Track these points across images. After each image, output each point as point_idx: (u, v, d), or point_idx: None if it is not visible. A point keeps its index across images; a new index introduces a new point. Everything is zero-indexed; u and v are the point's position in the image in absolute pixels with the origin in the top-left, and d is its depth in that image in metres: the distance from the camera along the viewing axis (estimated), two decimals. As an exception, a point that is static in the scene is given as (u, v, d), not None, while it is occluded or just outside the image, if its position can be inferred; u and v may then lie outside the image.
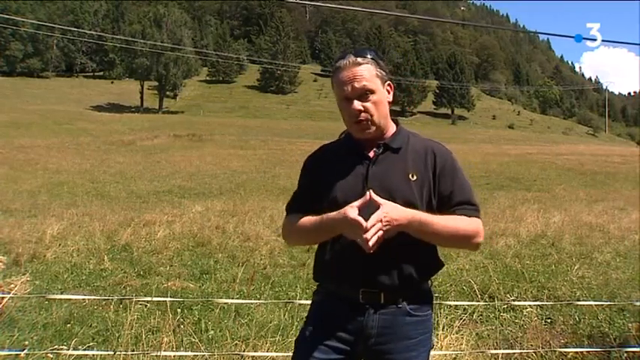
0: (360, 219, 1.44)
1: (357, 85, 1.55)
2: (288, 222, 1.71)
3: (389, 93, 1.63)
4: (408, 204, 1.54)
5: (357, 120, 1.58)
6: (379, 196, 1.51)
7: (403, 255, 1.55)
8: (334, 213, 1.52)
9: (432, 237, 1.55)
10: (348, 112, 1.59)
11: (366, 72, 1.57)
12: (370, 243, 1.41)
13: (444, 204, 1.59)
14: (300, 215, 1.65)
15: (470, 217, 1.59)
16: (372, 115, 1.58)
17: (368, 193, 1.47)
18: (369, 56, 1.59)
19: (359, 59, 1.57)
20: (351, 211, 1.46)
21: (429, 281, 1.68)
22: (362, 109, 1.56)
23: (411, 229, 1.50)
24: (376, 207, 1.46)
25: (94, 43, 77.96)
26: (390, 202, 1.48)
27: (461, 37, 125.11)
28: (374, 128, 1.59)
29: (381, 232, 1.44)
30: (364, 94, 1.56)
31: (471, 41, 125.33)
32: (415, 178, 1.58)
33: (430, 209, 1.57)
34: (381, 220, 1.44)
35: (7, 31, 71.18)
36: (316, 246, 1.72)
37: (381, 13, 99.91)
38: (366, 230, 1.41)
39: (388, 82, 1.63)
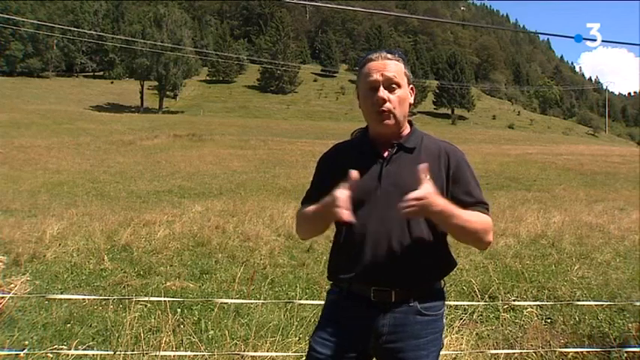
0: (340, 194, 1.46)
1: (386, 73, 1.58)
2: (297, 213, 1.76)
3: (410, 95, 1.66)
4: None
5: (379, 109, 1.59)
6: (392, 193, 1.54)
7: (415, 254, 1.56)
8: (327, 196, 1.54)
9: (455, 229, 1.55)
10: (371, 101, 1.60)
11: (395, 67, 1.61)
12: (405, 210, 1.41)
13: (456, 204, 1.59)
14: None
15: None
16: (394, 108, 1.59)
17: (420, 166, 1.47)
18: (398, 55, 1.63)
19: (389, 55, 1.62)
20: (340, 191, 1.49)
21: (442, 281, 1.69)
22: (387, 98, 1.58)
23: (439, 218, 1.50)
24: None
25: (94, 43, 77.95)
26: (431, 187, 1.47)
27: (461, 37, 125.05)
28: (394, 121, 1.61)
29: (414, 208, 1.42)
30: (391, 85, 1.59)
31: (470, 41, 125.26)
32: (428, 178, 1.58)
33: None
34: (421, 198, 1.42)
35: (7, 31, 71.12)
36: (328, 247, 1.74)
37: (381, 13, 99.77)
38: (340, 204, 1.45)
39: (412, 85, 1.67)
